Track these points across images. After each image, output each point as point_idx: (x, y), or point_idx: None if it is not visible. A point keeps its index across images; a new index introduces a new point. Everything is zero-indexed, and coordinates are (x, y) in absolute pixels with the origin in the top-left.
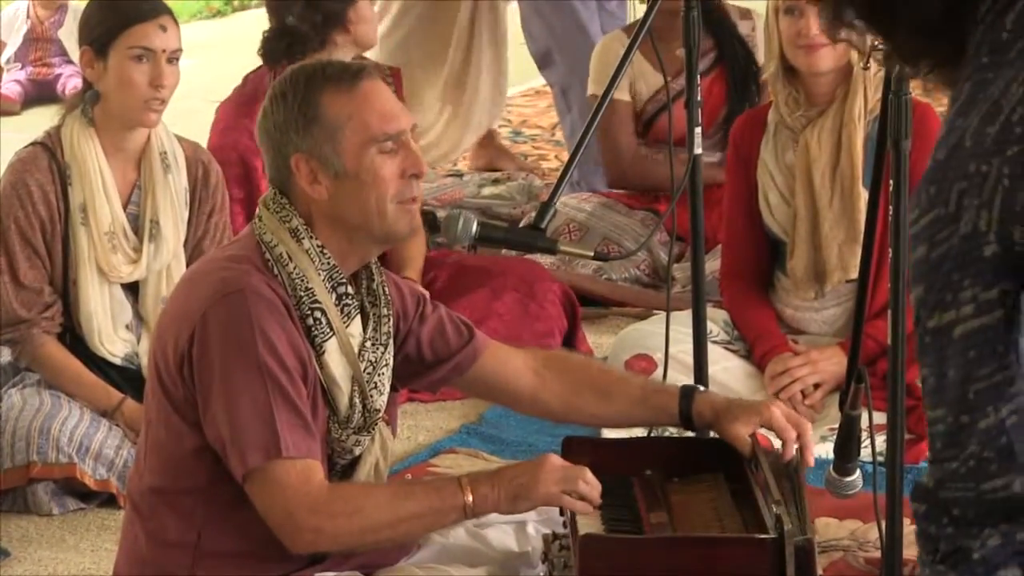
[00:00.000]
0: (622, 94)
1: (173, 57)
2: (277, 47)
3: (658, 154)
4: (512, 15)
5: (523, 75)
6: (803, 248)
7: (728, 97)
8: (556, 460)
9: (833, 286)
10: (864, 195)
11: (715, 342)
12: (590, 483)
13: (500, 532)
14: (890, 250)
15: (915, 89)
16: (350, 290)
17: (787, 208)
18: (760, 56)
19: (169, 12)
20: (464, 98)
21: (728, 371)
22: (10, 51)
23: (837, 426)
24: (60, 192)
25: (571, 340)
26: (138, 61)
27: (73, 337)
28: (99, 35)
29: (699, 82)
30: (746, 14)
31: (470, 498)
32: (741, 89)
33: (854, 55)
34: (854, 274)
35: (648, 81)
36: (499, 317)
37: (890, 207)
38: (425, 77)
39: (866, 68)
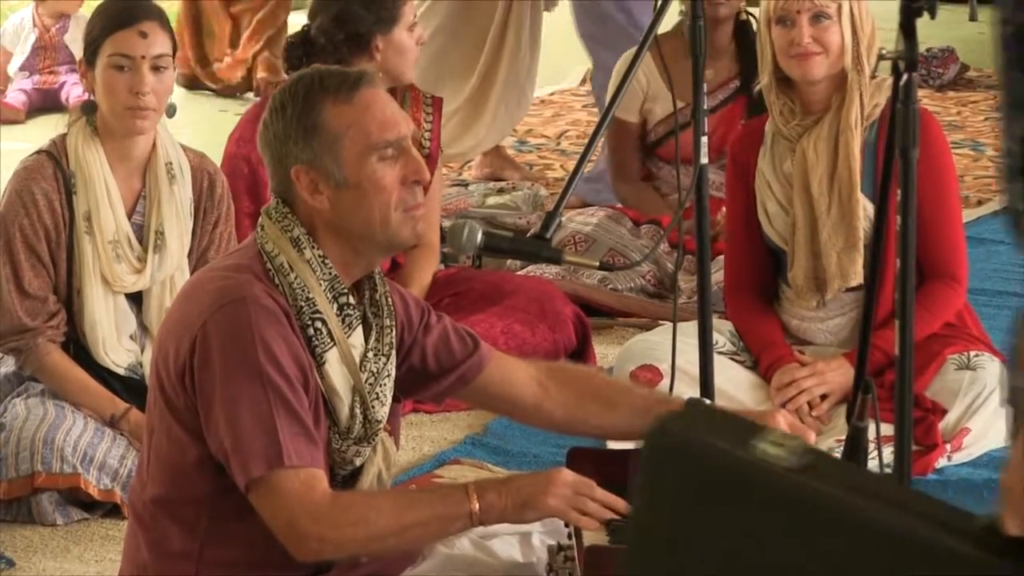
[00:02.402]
0: (630, 115)
1: (158, 64)
2: (294, 54)
3: (662, 184)
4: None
5: None
6: (802, 256)
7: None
8: (568, 474)
9: (833, 294)
10: (862, 202)
11: (721, 353)
12: (601, 500)
13: (505, 543)
14: (897, 259)
15: (923, 98)
16: (352, 300)
17: (786, 217)
18: None
19: (154, 17)
20: (491, 96)
21: (734, 382)
22: (19, 60)
23: (844, 438)
24: (65, 200)
25: (581, 360)
26: (119, 70)
27: (77, 347)
28: (87, 45)
29: (710, 107)
30: None
31: (476, 505)
32: None
33: (847, 62)
34: (854, 281)
35: (663, 103)
36: (507, 337)
37: (898, 216)
38: (449, 73)
39: (874, 77)
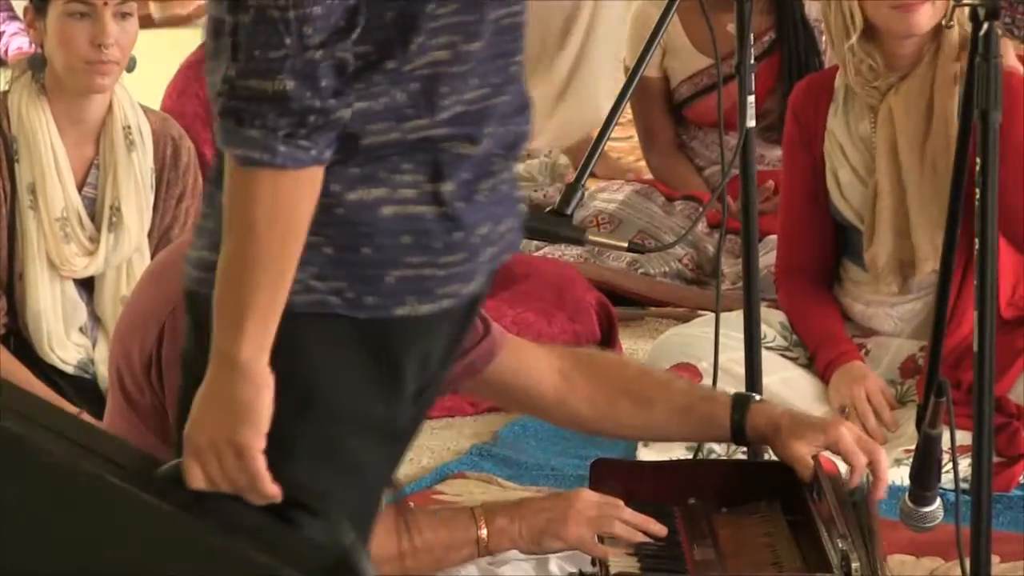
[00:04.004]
0: (650, 69)
1: (122, 11)
2: None
3: (696, 157)
4: None
5: None
6: (886, 234)
7: (775, 90)
8: (590, 496)
9: (923, 278)
10: None
11: (770, 348)
12: (631, 522)
13: (518, 570)
14: (976, 239)
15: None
16: None
17: (863, 188)
18: (823, 43)
19: None
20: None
21: (787, 383)
22: None
23: (914, 448)
24: (6, 170)
25: None
26: (78, 18)
27: (18, 341)
28: None
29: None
30: None
31: (484, 531)
32: (794, 82)
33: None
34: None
35: (684, 59)
36: (519, 327)
37: (977, 189)
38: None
39: (948, 27)
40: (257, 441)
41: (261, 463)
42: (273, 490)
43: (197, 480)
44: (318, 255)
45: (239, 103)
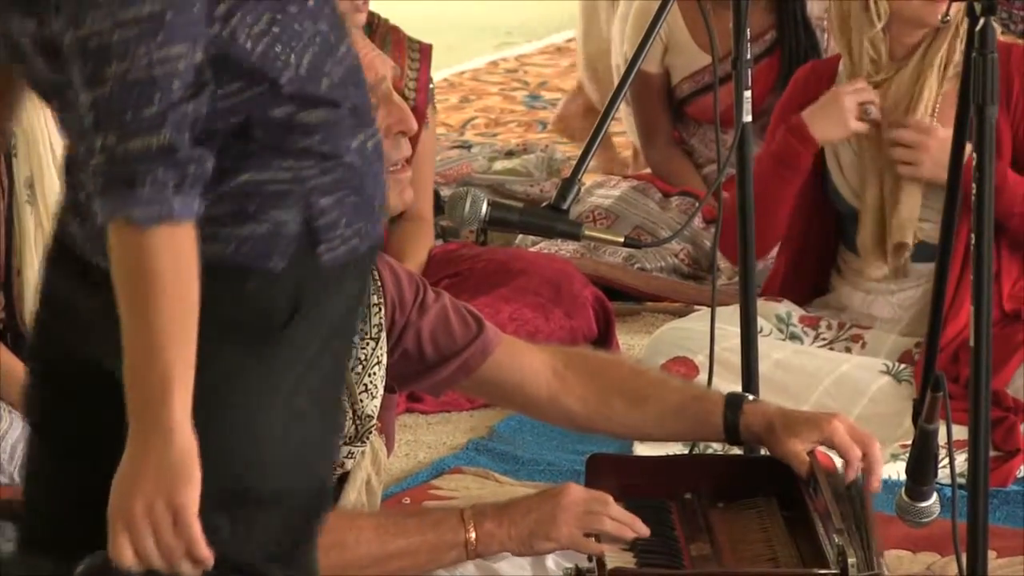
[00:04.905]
0: (650, 65)
1: None
2: None
3: (695, 155)
4: None
5: (542, 28)
6: (870, 216)
7: (775, 90)
8: (578, 492)
9: (898, 256)
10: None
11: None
12: (619, 518)
13: (514, 566)
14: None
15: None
16: None
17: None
18: (825, 42)
19: None
20: None
21: (780, 364)
22: None
23: (910, 442)
24: (3, 165)
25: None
26: None
27: (15, 336)
28: None
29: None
30: None
31: (473, 534)
32: None
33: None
34: (909, 237)
35: (686, 57)
36: (516, 324)
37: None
38: None
39: (944, 22)
40: (195, 501)
41: (197, 526)
42: (206, 553)
43: (127, 557)
44: (340, 207)
45: (124, 168)
